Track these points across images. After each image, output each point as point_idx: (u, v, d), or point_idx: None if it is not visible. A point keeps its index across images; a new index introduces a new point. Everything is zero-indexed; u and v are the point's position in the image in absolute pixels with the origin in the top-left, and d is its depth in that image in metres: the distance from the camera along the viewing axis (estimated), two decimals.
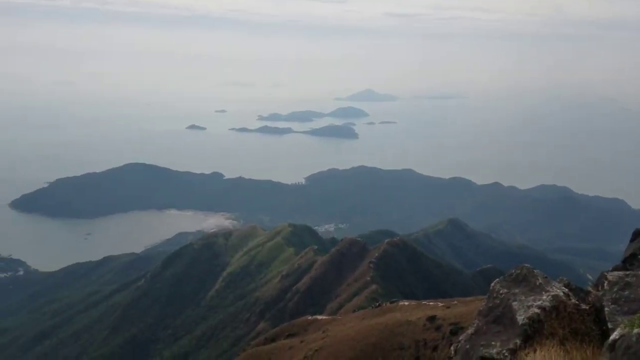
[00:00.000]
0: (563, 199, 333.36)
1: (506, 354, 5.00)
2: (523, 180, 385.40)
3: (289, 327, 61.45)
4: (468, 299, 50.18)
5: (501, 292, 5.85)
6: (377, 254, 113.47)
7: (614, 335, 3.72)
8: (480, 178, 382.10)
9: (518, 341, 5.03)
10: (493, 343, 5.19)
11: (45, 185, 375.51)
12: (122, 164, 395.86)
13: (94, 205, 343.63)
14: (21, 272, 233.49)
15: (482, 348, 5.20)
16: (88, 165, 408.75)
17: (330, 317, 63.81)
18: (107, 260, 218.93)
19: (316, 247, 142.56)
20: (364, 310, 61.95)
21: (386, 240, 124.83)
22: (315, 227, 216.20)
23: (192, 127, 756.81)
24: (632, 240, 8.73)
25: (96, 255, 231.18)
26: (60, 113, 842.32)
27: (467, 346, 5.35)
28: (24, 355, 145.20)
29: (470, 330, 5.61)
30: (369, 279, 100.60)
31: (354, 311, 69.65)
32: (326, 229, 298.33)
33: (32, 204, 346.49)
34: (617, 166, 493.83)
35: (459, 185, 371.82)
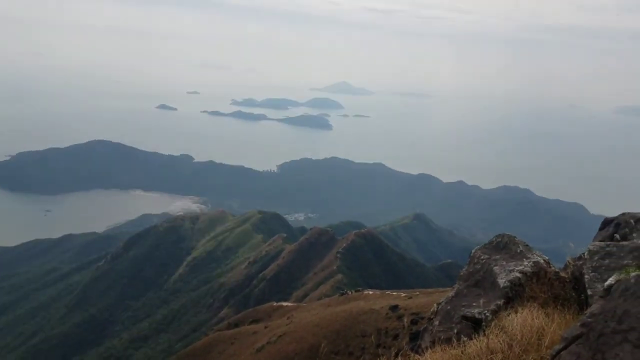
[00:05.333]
0: (524, 200, 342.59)
1: (488, 314, 5.04)
2: (486, 180, 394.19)
3: (253, 313, 61.31)
4: (429, 290, 51.09)
5: (482, 257, 5.87)
6: (344, 245, 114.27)
7: (609, 281, 3.77)
8: (446, 175, 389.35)
9: (500, 302, 5.06)
10: (474, 304, 5.21)
11: (7, 158, 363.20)
12: (86, 141, 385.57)
13: (56, 181, 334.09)
14: None
15: (463, 308, 5.21)
16: (52, 140, 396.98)
17: (295, 304, 64.01)
18: (67, 238, 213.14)
19: (285, 235, 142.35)
20: (329, 298, 62.35)
21: (354, 232, 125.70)
22: (285, 216, 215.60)
23: (162, 106, 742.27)
24: (600, 229, 8.92)
25: (56, 233, 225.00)
26: (26, 85, 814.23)
27: (449, 307, 5.35)
28: None
29: (450, 293, 5.62)
30: (335, 268, 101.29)
31: (319, 299, 70.06)
32: (296, 217, 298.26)
33: None
34: (578, 171, 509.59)
35: (426, 182, 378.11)
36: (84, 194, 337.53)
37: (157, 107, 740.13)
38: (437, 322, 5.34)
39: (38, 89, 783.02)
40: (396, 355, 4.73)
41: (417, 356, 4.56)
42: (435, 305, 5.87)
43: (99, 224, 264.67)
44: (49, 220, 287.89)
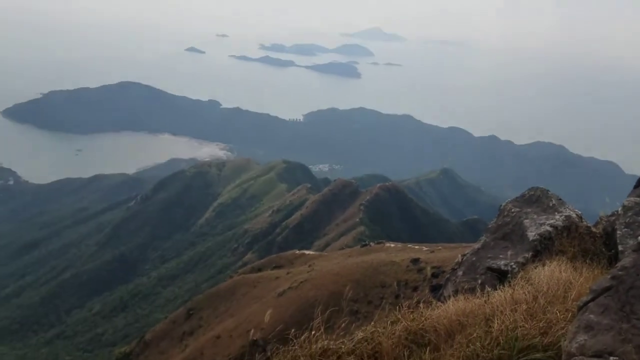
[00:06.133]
0: (557, 157, 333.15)
1: (514, 266, 5.00)
2: (520, 135, 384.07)
3: (276, 259, 62.75)
4: (452, 245, 51.05)
5: (513, 210, 5.75)
6: (368, 197, 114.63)
7: None
8: (478, 130, 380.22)
9: (527, 255, 4.99)
10: (501, 256, 5.15)
11: (39, 97, 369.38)
12: (116, 82, 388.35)
13: (86, 121, 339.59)
14: (11, 182, 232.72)
15: (489, 260, 5.15)
16: (83, 80, 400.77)
17: (317, 252, 65.13)
18: (97, 178, 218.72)
19: (309, 185, 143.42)
20: (350, 248, 63.20)
21: (378, 185, 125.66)
22: (310, 166, 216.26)
23: (191, 49, 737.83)
24: (635, 187, 8.61)
25: (87, 172, 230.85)
26: (57, 28, 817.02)
27: (474, 258, 5.30)
28: (12, 263, 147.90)
29: (476, 245, 5.55)
30: (358, 220, 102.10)
31: (340, 249, 71.10)
32: (320, 168, 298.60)
33: (24, 114, 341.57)
34: (614, 131, 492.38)
35: (456, 135, 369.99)
36: (113, 135, 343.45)
37: (186, 50, 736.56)
38: (460, 273, 5.31)
39: (67, 31, 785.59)
40: (417, 303, 4.73)
41: (439, 304, 4.58)
42: (459, 256, 5.83)
43: (129, 166, 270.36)
44: (80, 159, 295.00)
